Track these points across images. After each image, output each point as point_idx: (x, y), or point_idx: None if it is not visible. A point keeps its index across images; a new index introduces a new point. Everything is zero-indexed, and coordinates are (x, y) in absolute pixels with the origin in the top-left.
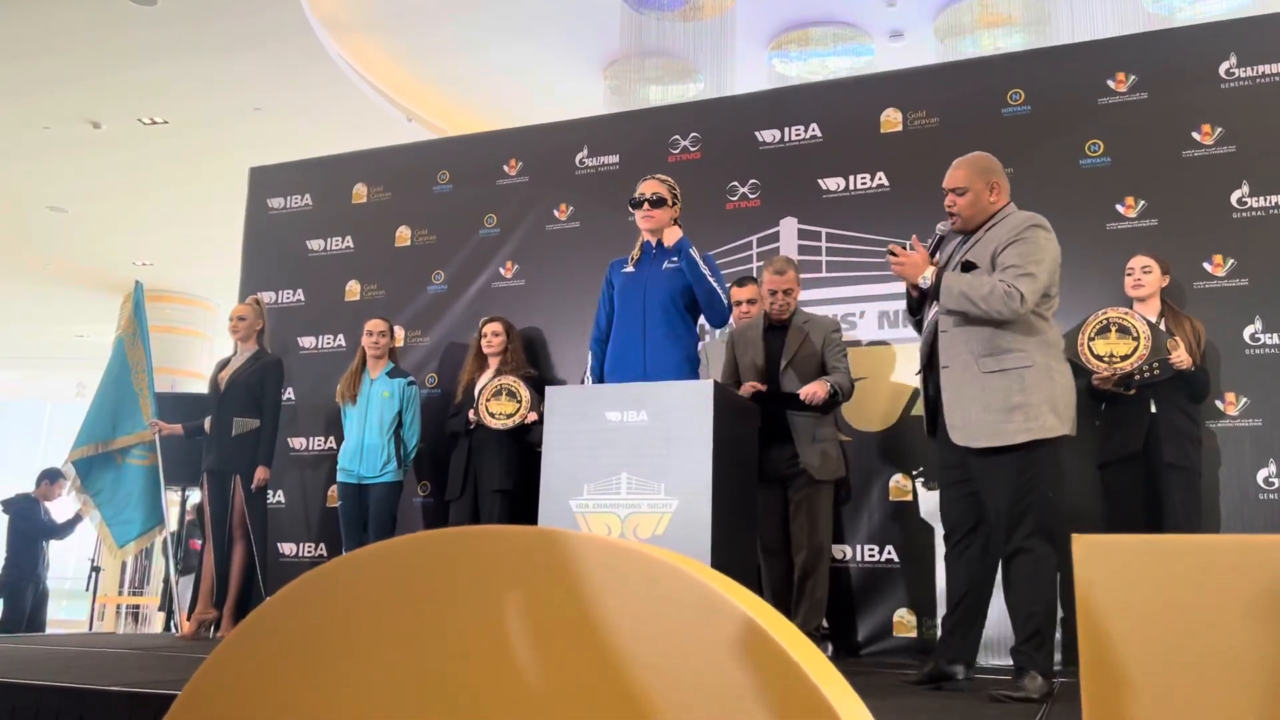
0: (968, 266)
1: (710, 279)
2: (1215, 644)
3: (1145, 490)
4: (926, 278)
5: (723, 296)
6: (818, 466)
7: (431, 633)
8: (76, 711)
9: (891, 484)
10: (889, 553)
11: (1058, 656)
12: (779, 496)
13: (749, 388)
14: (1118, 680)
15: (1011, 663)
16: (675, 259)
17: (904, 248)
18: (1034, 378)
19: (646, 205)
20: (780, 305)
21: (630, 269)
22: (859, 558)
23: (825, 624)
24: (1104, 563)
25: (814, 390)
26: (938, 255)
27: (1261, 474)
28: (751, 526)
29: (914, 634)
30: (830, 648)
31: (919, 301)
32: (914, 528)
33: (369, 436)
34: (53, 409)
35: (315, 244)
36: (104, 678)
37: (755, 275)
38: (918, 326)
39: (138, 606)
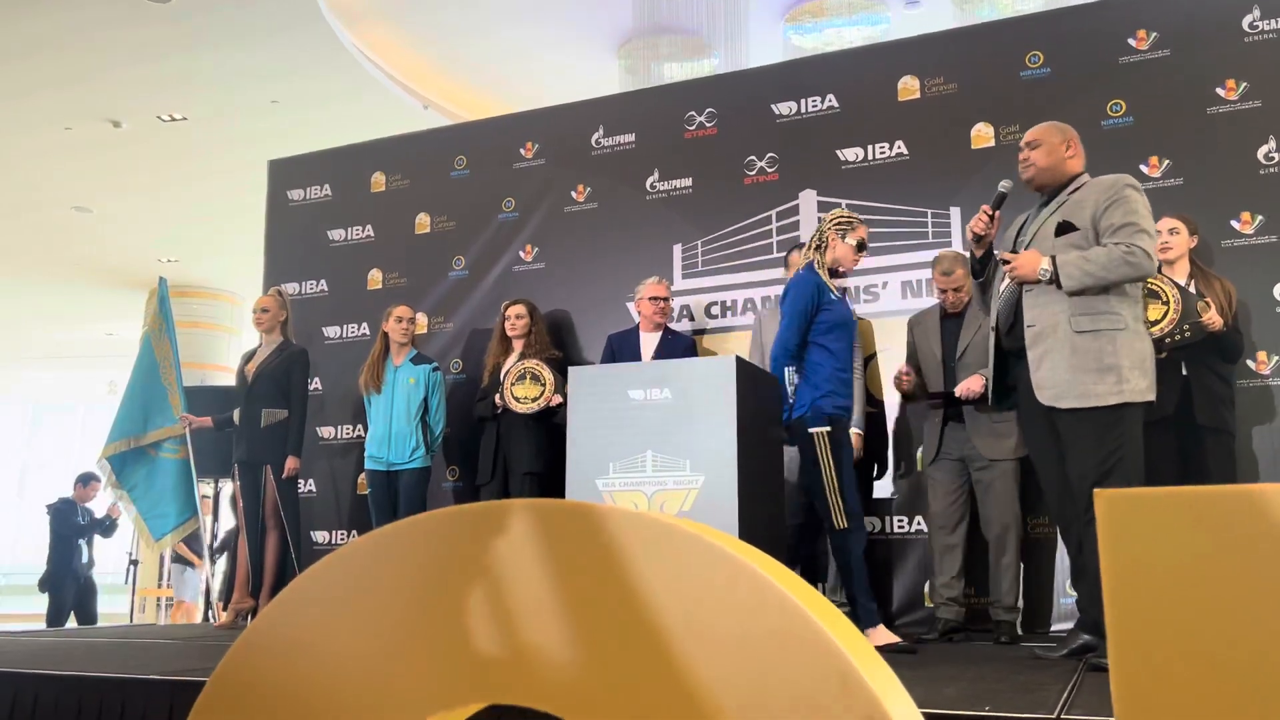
0: (1065, 227)
1: None
2: (1253, 601)
3: (1179, 453)
4: (1045, 269)
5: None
6: (991, 447)
7: (467, 605)
8: (118, 700)
9: (919, 455)
10: (918, 523)
11: None
12: (960, 474)
13: (906, 385)
14: (1148, 644)
15: None
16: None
17: (989, 219)
18: (1125, 340)
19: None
20: (953, 300)
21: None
22: (889, 529)
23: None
24: (1131, 519)
25: (969, 386)
26: (1007, 228)
27: None
28: (778, 498)
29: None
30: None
31: (981, 263)
32: None
33: (396, 424)
34: (85, 410)
35: (336, 234)
36: (145, 667)
37: (779, 251)
38: (980, 290)
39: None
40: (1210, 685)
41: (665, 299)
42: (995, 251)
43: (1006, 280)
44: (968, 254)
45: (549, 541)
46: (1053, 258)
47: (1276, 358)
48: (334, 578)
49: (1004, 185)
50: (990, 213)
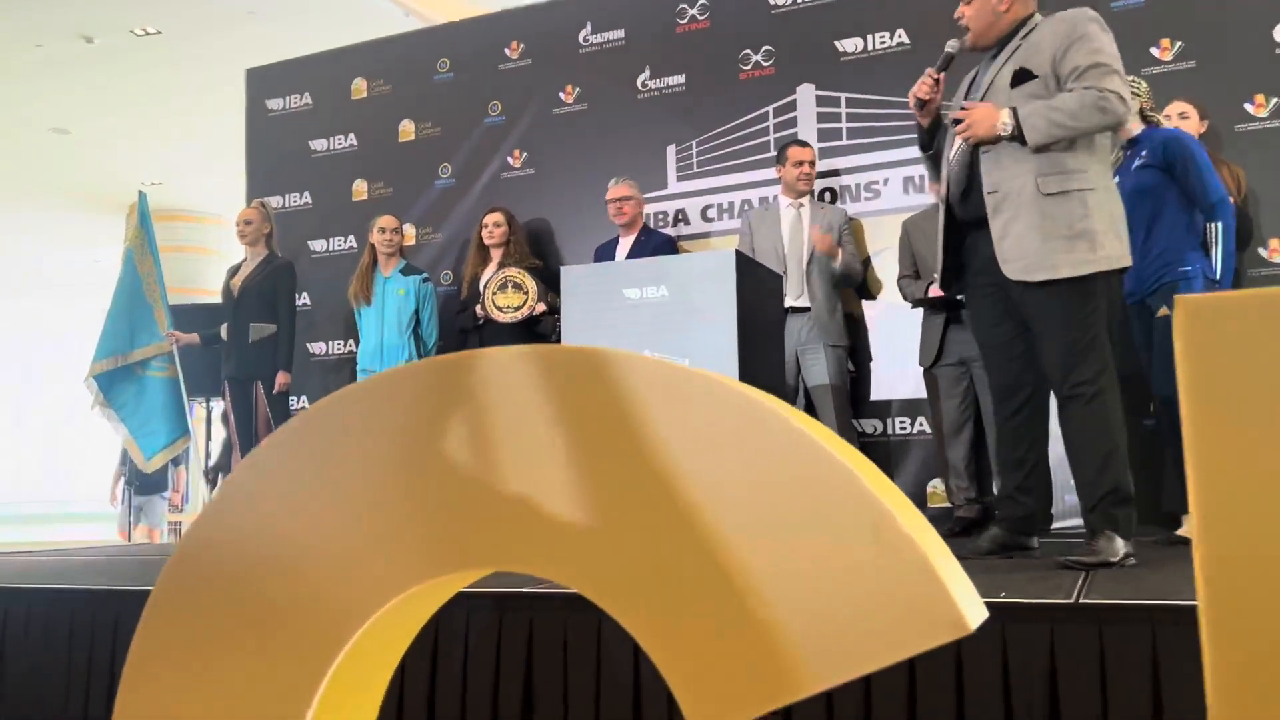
0: (1022, 75)
1: None
2: None
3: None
4: (1006, 124)
5: None
6: None
7: (453, 465)
8: (110, 613)
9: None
10: (920, 424)
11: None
12: (963, 376)
13: (938, 290)
14: (1232, 463)
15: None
16: None
17: (933, 83)
18: (1098, 201)
19: None
20: None
21: None
22: (891, 430)
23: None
24: (1216, 329)
25: None
26: (951, 86)
27: None
28: (780, 396)
29: (947, 504)
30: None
31: (930, 134)
32: None
33: (388, 336)
34: (78, 340)
35: (318, 144)
36: (138, 579)
37: (777, 148)
38: (932, 162)
39: (179, 523)
40: None
41: (624, 198)
42: (943, 114)
43: (957, 143)
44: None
45: (553, 390)
46: (1013, 110)
47: None
48: (297, 446)
49: (951, 45)
50: (935, 76)
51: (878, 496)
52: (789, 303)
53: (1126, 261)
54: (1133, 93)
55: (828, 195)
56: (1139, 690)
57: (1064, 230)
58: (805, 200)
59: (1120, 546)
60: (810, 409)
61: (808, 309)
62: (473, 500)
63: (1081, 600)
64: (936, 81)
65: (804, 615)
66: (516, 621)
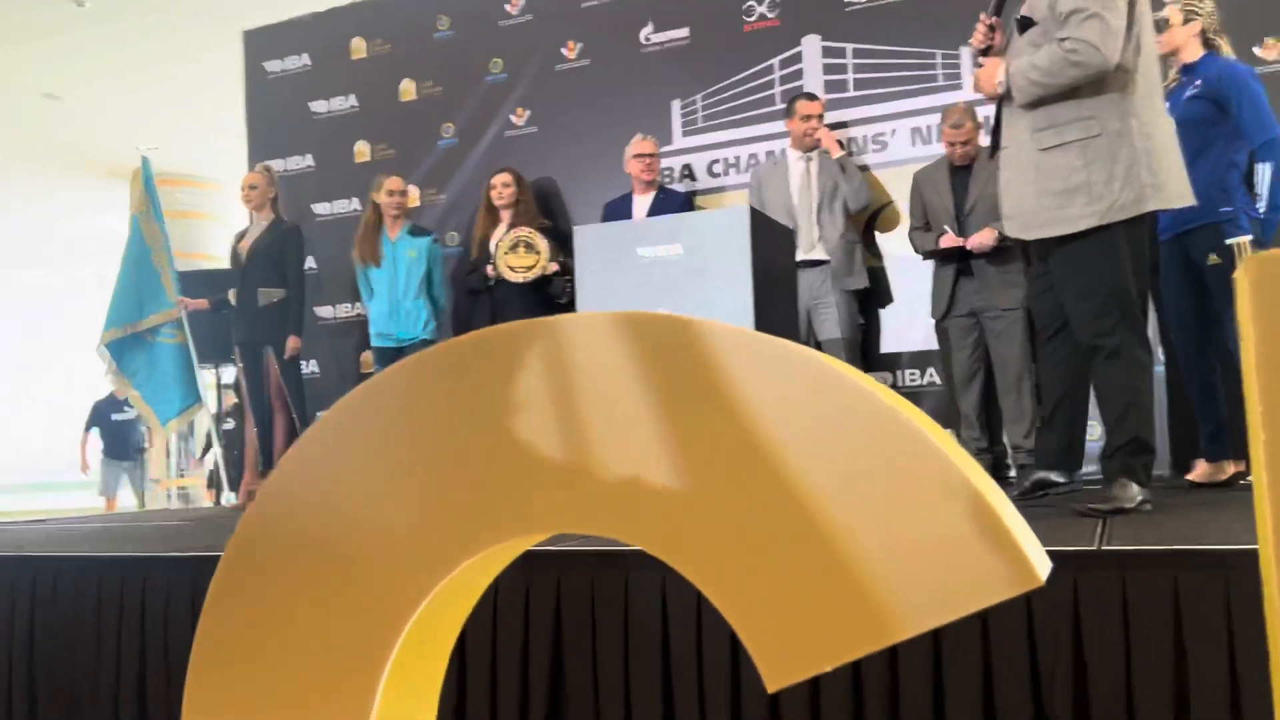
0: (1025, 24)
1: None
2: None
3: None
4: (1001, 81)
5: None
6: (1003, 297)
7: (525, 429)
8: (139, 578)
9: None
10: (930, 376)
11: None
12: (973, 328)
13: (949, 240)
14: None
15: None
16: None
17: (988, 30)
18: (1099, 149)
19: None
20: (961, 154)
21: None
22: (901, 382)
23: None
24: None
25: (981, 240)
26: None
27: None
28: None
29: None
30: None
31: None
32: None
33: (404, 298)
34: (81, 307)
35: (319, 106)
36: (164, 545)
37: (783, 101)
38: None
39: (185, 488)
40: None
41: (652, 155)
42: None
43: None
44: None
45: (625, 354)
46: (1006, 65)
47: None
48: (357, 417)
49: None
50: (989, 21)
51: (947, 454)
52: (800, 256)
53: (1145, 207)
54: (1193, 13)
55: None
56: (1162, 635)
57: (1058, 185)
58: (814, 153)
59: (1136, 492)
60: None
61: (819, 262)
62: (538, 463)
63: (1104, 547)
64: (991, 28)
65: (880, 570)
66: (545, 582)
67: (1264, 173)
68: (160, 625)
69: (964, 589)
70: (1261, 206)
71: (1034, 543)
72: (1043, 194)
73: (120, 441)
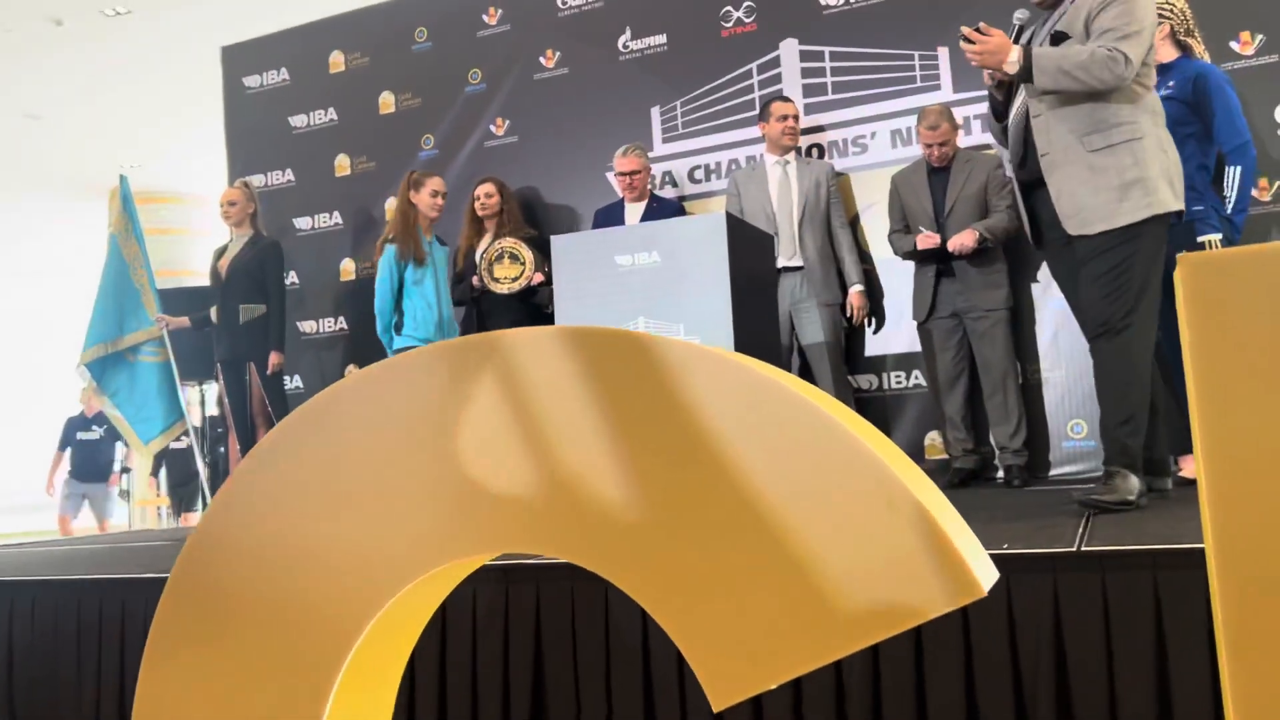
0: (1058, 38)
1: None
2: None
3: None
4: (1014, 60)
5: None
6: (985, 298)
7: (476, 446)
8: (117, 600)
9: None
10: (915, 378)
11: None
12: (956, 329)
13: (925, 240)
14: (1235, 414)
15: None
16: None
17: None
18: (1146, 150)
19: None
20: (939, 155)
21: None
22: (886, 385)
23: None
24: (1219, 284)
25: (961, 241)
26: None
27: None
28: (774, 357)
29: (945, 456)
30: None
31: (1004, 103)
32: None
33: (444, 306)
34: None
35: (298, 120)
36: (143, 567)
37: (757, 105)
38: (1002, 135)
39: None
40: None
41: (635, 172)
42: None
43: (1014, 110)
44: (988, 96)
45: (585, 370)
46: (1026, 50)
47: (1279, 183)
48: (305, 434)
49: (1019, 15)
50: (971, 33)
51: (891, 469)
52: (781, 262)
53: (1176, 205)
54: (1163, 15)
55: (815, 151)
56: (1143, 634)
57: (1114, 181)
58: (791, 157)
59: (1135, 484)
60: (805, 368)
61: (800, 268)
62: (483, 483)
63: (1083, 548)
64: (998, 33)
65: (823, 586)
66: (524, 594)
67: (1234, 175)
68: (138, 648)
69: (907, 602)
70: (1229, 208)
71: (979, 553)
72: (1099, 190)
73: (87, 461)
